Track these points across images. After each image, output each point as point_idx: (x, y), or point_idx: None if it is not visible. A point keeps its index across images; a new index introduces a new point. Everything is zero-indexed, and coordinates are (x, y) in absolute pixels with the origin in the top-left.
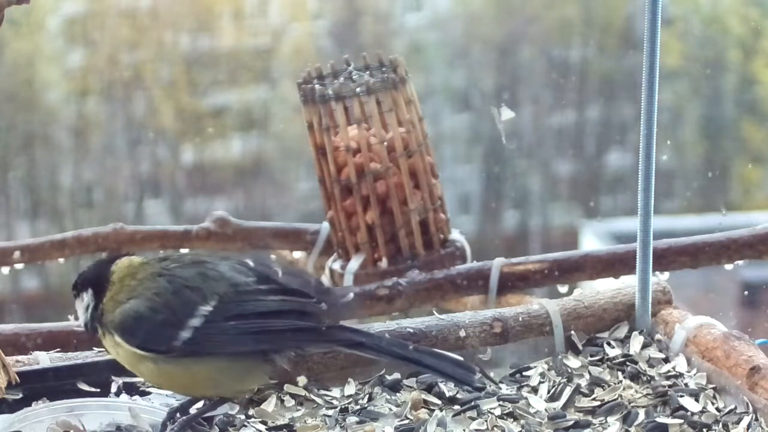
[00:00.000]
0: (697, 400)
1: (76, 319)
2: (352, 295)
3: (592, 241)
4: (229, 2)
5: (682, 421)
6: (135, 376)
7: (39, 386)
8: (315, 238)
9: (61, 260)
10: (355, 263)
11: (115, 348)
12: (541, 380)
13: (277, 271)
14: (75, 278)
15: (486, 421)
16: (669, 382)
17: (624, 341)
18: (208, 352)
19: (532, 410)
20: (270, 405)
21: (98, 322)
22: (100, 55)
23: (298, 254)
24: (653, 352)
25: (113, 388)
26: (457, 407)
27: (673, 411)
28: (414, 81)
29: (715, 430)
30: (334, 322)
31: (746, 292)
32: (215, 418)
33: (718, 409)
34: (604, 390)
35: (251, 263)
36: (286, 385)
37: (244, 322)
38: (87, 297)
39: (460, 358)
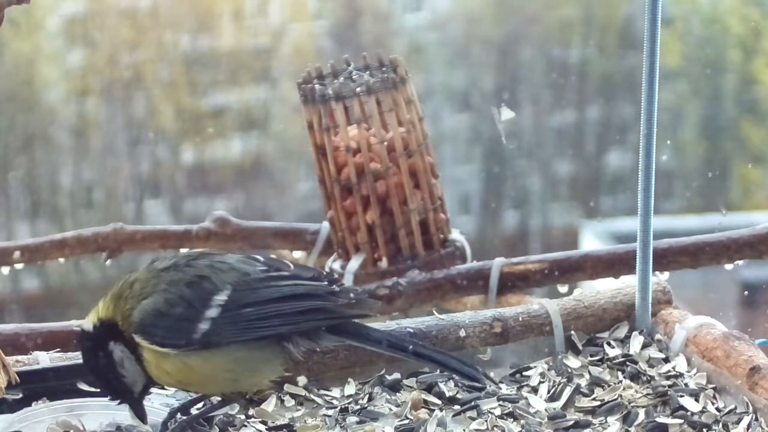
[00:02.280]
0: (697, 400)
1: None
2: (352, 294)
3: (592, 241)
4: (229, 2)
5: (682, 421)
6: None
7: (39, 386)
8: (315, 238)
9: (61, 260)
10: (355, 263)
11: (145, 356)
12: (541, 380)
13: (287, 263)
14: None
15: (486, 421)
16: (669, 382)
17: (624, 341)
18: (228, 341)
19: (532, 410)
20: (270, 405)
21: (131, 346)
22: (100, 55)
23: (298, 254)
24: (653, 352)
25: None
26: (457, 407)
27: (673, 411)
28: (414, 81)
29: (715, 430)
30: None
31: (746, 292)
32: (215, 418)
33: (718, 409)
34: (604, 390)
35: (260, 257)
36: (286, 385)
37: (260, 308)
38: (118, 349)
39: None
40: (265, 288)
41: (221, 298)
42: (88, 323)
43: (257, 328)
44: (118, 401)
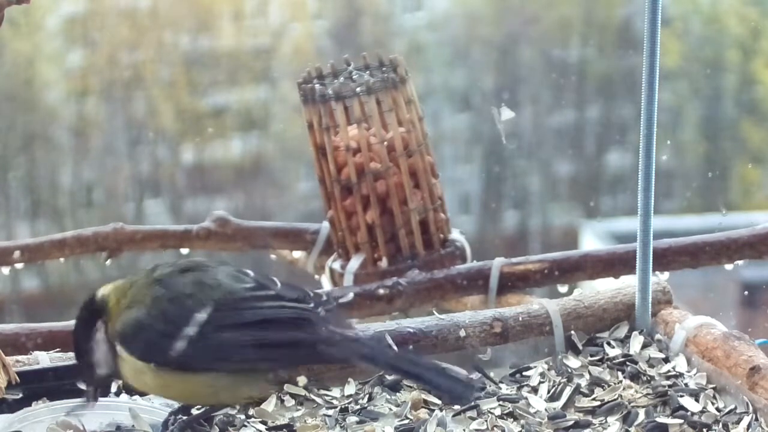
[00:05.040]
0: (697, 400)
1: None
2: (352, 295)
3: (592, 241)
4: (229, 2)
5: (682, 421)
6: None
7: (39, 386)
8: (315, 238)
9: (61, 260)
10: (355, 263)
11: (125, 366)
12: (541, 380)
13: (275, 280)
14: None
15: (486, 421)
16: (669, 382)
17: (624, 341)
18: (204, 367)
19: (532, 410)
20: (270, 405)
21: (111, 345)
22: (100, 55)
23: (298, 254)
24: (653, 352)
25: (113, 388)
26: (457, 407)
27: (673, 411)
28: (414, 81)
29: (715, 430)
30: (333, 329)
31: (746, 292)
32: (215, 417)
33: (718, 409)
34: (604, 390)
35: (250, 272)
36: (286, 385)
37: (239, 333)
38: (101, 331)
39: (461, 373)
40: (248, 309)
41: (201, 316)
42: (100, 291)
43: (234, 361)
44: (81, 371)
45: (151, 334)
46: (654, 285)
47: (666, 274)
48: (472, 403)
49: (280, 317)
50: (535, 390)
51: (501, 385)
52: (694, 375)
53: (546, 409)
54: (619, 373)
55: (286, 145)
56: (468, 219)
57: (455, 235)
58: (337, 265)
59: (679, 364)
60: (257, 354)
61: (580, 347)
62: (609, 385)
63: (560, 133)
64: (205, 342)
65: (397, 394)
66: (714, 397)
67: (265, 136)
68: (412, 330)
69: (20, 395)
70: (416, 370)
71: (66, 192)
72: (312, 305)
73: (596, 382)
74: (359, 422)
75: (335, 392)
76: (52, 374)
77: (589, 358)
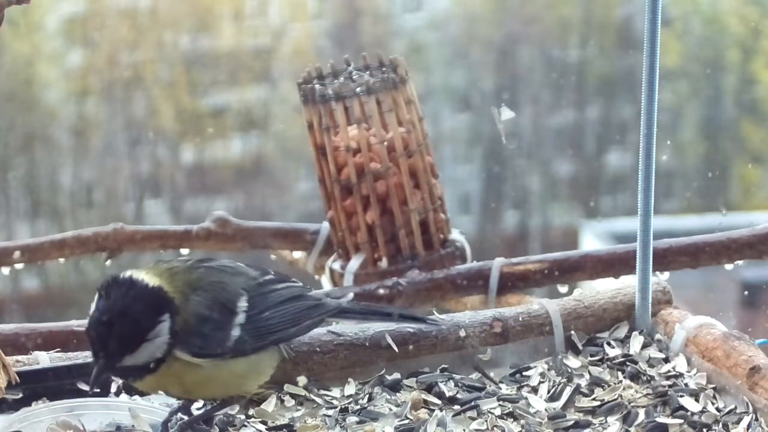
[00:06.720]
0: (697, 400)
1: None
2: (352, 295)
3: (592, 241)
4: (229, 2)
5: (682, 421)
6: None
7: (39, 386)
8: (315, 238)
9: (61, 260)
10: (355, 263)
11: (175, 364)
12: (541, 380)
13: (266, 269)
14: (125, 319)
15: (486, 421)
16: (669, 382)
17: (624, 341)
18: (254, 347)
19: (532, 410)
20: (270, 405)
21: (172, 340)
22: (100, 55)
23: (298, 254)
24: (653, 352)
25: (113, 388)
26: (457, 407)
27: (673, 411)
28: (414, 81)
29: (715, 430)
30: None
31: (746, 292)
32: (215, 417)
33: (718, 409)
34: (604, 390)
35: (241, 264)
36: (286, 385)
37: (274, 311)
38: (163, 326)
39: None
40: (270, 292)
41: (243, 304)
42: (149, 278)
43: (273, 332)
44: (95, 357)
45: (209, 328)
46: (654, 285)
47: (666, 274)
48: (473, 403)
49: (294, 294)
50: (535, 390)
51: (501, 385)
52: (694, 375)
53: (546, 409)
54: (619, 373)
55: (286, 145)
56: (468, 219)
57: (455, 235)
58: (337, 266)
59: (679, 364)
60: (290, 323)
61: (580, 347)
62: (609, 385)
63: (560, 133)
64: (253, 324)
65: (397, 394)
66: (714, 397)
67: (265, 136)
68: (412, 330)
69: (20, 395)
70: (386, 310)
71: (66, 192)
72: (300, 284)
73: (596, 382)
74: (359, 422)
75: (335, 392)
76: (52, 374)
77: (589, 358)
